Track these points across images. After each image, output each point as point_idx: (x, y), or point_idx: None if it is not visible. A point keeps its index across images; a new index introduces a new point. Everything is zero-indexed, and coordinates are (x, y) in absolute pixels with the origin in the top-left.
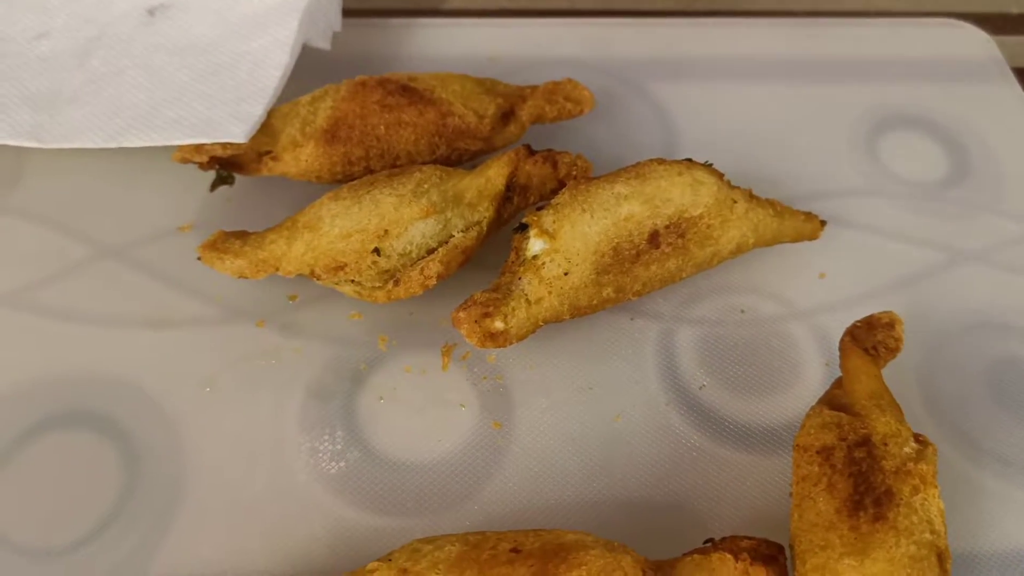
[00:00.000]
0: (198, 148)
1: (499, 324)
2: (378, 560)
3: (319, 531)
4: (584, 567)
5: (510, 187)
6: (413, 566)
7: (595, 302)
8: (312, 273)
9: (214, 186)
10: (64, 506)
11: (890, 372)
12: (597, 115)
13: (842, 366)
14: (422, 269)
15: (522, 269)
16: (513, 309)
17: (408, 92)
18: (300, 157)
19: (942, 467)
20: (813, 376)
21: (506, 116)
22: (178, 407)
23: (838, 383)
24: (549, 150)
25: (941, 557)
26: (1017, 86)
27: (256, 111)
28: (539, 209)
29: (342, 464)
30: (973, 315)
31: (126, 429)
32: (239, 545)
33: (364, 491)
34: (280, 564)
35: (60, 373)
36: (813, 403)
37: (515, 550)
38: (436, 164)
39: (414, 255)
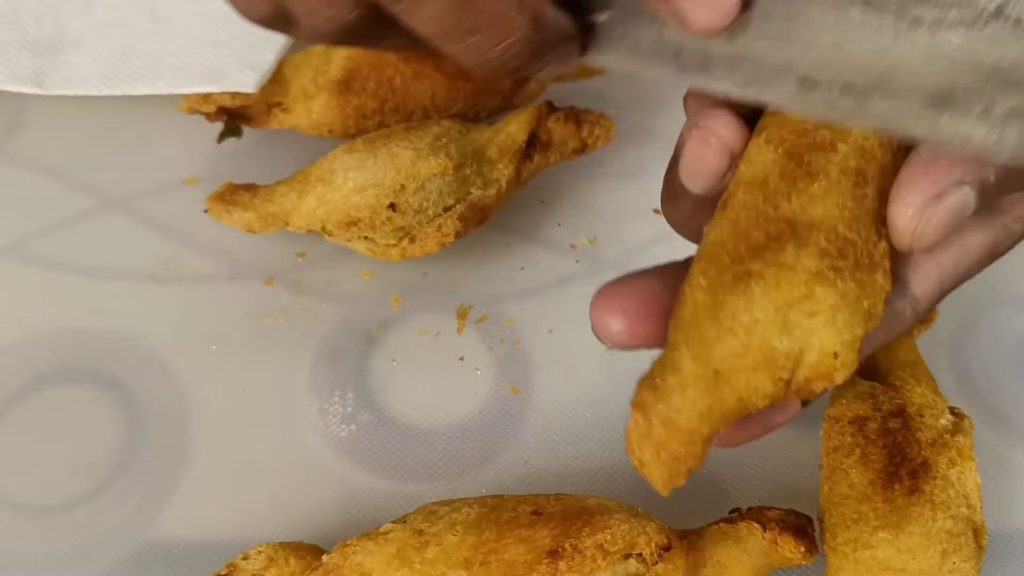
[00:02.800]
0: (206, 98)
1: None
2: (392, 522)
3: (328, 495)
4: (608, 531)
5: (530, 144)
6: (429, 527)
7: None
8: (323, 229)
9: (221, 138)
10: (63, 463)
11: (921, 344)
12: (619, 75)
13: None
14: (440, 226)
15: None
16: None
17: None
18: (312, 109)
19: (974, 443)
20: None
21: None
22: (183, 365)
23: (871, 353)
24: (572, 108)
25: (977, 532)
26: None
27: (267, 59)
28: None
29: (353, 427)
30: (1007, 288)
31: (129, 386)
32: (245, 507)
33: (375, 455)
34: (288, 527)
35: (61, 327)
36: None
37: (536, 512)
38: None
39: (431, 212)
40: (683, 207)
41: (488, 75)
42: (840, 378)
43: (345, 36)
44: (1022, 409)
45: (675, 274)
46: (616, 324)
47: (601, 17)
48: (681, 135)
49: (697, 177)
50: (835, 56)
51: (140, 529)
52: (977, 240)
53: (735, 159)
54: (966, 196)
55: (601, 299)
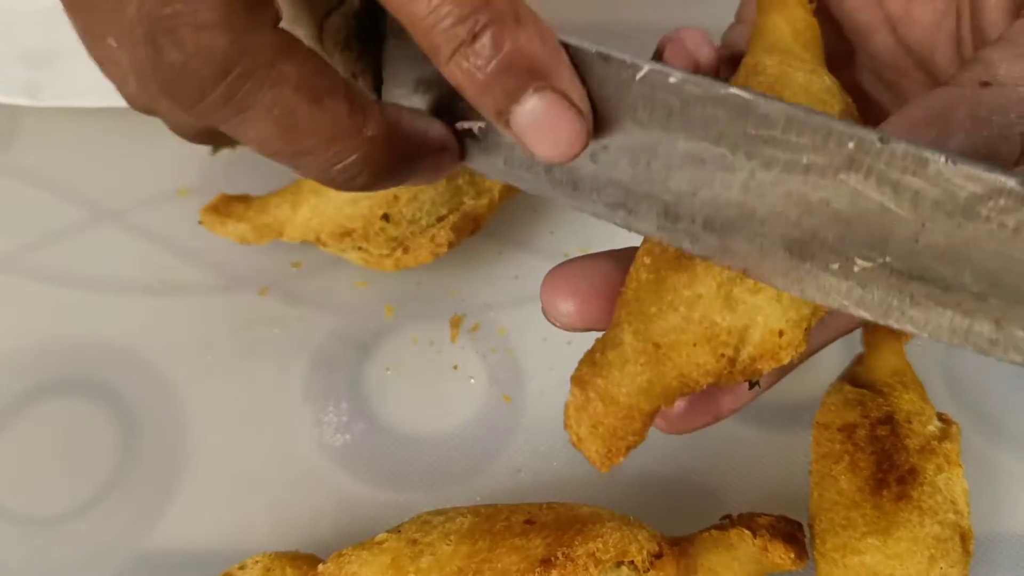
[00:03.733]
0: None
1: None
2: (387, 532)
3: (323, 504)
4: (600, 539)
5: None
6: (423, 537)
7: None
8: (317, 239)
9: (215, 149)
10: (59, 475)
11: (910, 351)
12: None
13: (864, 342)
14: (432, 237)
15: None
16: None
17: None
18: None
19: (963, 448)
20: (830, 354)
21: None
22: (178, 376)
23: (859, 359)
24: None
25: (964, 538)
26: None
27: None
28: None
29: (347, 436)
30: None
31: (124, 397)
32: (241, 517)
33: (370, 464)
34: (283, 537)
35: (55, 339)
36: (830, 380)
37: (529, 522)
38: None
39: (424, 222)
40: None
41: (345, 190)
42: (786, 357)
43: (209, 139)
44: (1010, 414)
45: (628, 258)
46: (567, 305)
47: (479, 125)
48: (659, 42)
49: None
50: (693, 190)
51: (136, 540)
52: None
53: (698, 67)
54: None
55: (552, 280)
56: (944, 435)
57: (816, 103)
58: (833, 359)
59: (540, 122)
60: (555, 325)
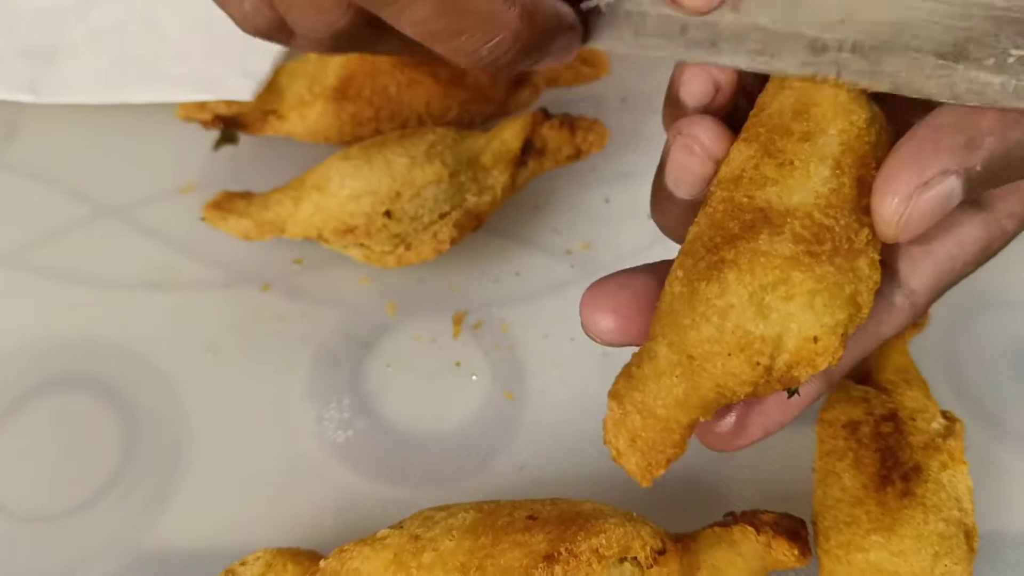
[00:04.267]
0: (202, 106)
1: None
2: (389, 528)
3: (325, 501)
4: (603, 535)
5: (525, 151)
6: (426, 532)
7: None
8: (320, 236)
9: (217, 145)
10: (60, 472)
11: (914, 349)
12: (612, 80)
13: None
14: (435, 233)
15: None
16: None
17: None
18: (307, 116)
19: (966, 446)
20: None
21: (520, 79)
22: (179, 372)
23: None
24: (566, 114)
25: (968, 535)
26: None
27: (263, 68)
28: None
29: (349, 433)
30: (999, 292)
31: (125, 394)
32: (242, 513)
33: (372, 461)
34: (285, 533)
35: (57, 336)
36: None
37: (531, 517)
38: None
39: (426, 219)
40: (672, 213)
41: (485, 72)
42: (823, 363)
43: (340, 42)
44: (1014, 412)
45: (665, 271)
46: (607, 322)
47: (600, 3)
48: (666, 143)
49: (683, 184)
50: (843, 17)
51: (138, 537)
52: (972, 235)
53: (718, 165)
54: (952, 185)
55: (592, 296)
56: (948, 432)
57: (845, 114)
58: None
59: None
60: (596, 341)
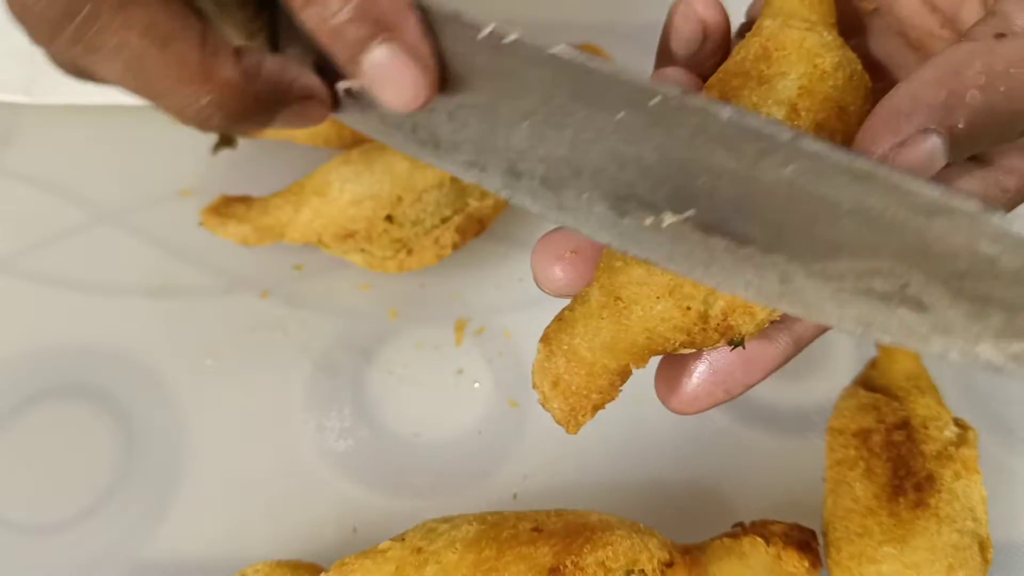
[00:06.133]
0: None
1: None
2: (391, 539)
3: (325, 511)
4: (609, 547)
5: None
6: (428, 545)
7: None
8: (320, 241)
9: (216, 149)
10: (58, 482)
11: (925, 355)
12: None
13: (878, 345)
14: (436, 238)
15: None
16: None
17: None
18: None
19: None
20: (842, 357)
21: None
22: (178, 380)
23: (873, 364)
24: None
25: (983, 546)
26: None
27: None
28: None
29: (350, 442)
30: None
31: (123, 402)
32: (242, 524)
33: (373, 470)
34: (285, 545)
35: (54, 343)
36: (843, 384)
37: (536, 529)
38: None
39: (428, 223)
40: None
41: (203, 130)
42: (762, 313)
43: (81, 72)
44: None
45: None
46: (557, 271)
47: (353, 85)
48: (671, 8)
49: (681, 41)
50: (530, 147)
51: (136, 548)
52: (968, 191)
53: (707, 30)
54: (933, 144)
55: (543, 246)
56: (961, 441)
57: (809, 57)
58: (846, 363)
59: (386, 71)
60: (547, 291)
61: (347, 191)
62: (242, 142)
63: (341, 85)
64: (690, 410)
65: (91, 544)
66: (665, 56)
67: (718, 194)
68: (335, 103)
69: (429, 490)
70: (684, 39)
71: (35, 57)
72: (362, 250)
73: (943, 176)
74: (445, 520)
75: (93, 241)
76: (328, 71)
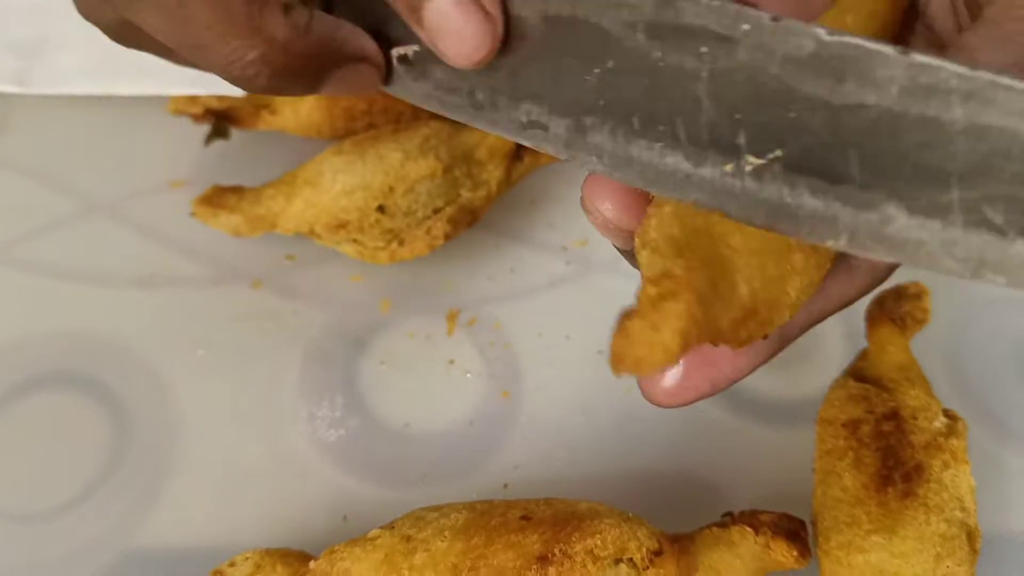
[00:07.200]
0: (193, 99)
1: None
2: (380, 528)
3: (316, 501)
4: (598, 535)
5: (520, 145)
6: (418, 533)
7: None
8: (312, 231)
9: (209, 140)
10: (48, 470)
11: (915, 346)
12: None
13: (869, 336)
14: (428, 229)
15: None
16: None
17: None
18: (300, 110)
19: (968, 445)
20: (833, 348)
21: None
22: (169, 370)
23: (863, 354)
24: None
25: (971, 536)
26: None
27: None
28: None
29: (342, 432)
30: (1001, 288)
31: (114, 392)
32: (232, 513)
33: (364, 460)
34: (275, 533)
35: (45, 332)
36: (833, 375)
37: (525, 517)
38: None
39: (420, 214)
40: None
41: (248, 90)
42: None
43: (125, 34)
44: (1016, 411)
45: None
46: (608, 205)
47: (413, 49)
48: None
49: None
50: (598, 100)
51: (126, 536)
52: None
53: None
54: None
55: (594, 178)
56: (950, 431)
57: None
58: (837, 354)
59: (448, 20)
60: (594, 223)
61: (339, 181)
62: (234, 132)
63: (397, 51)
64: (673, 403)
65: (82, 532)
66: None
67: (809, 129)
68: (387, 73)
69: (420, 480)
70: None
71: (30, 47)
72: (354, 240)
73: None
74: (434, 509)
75: (85, 231)
76: (380, 40)
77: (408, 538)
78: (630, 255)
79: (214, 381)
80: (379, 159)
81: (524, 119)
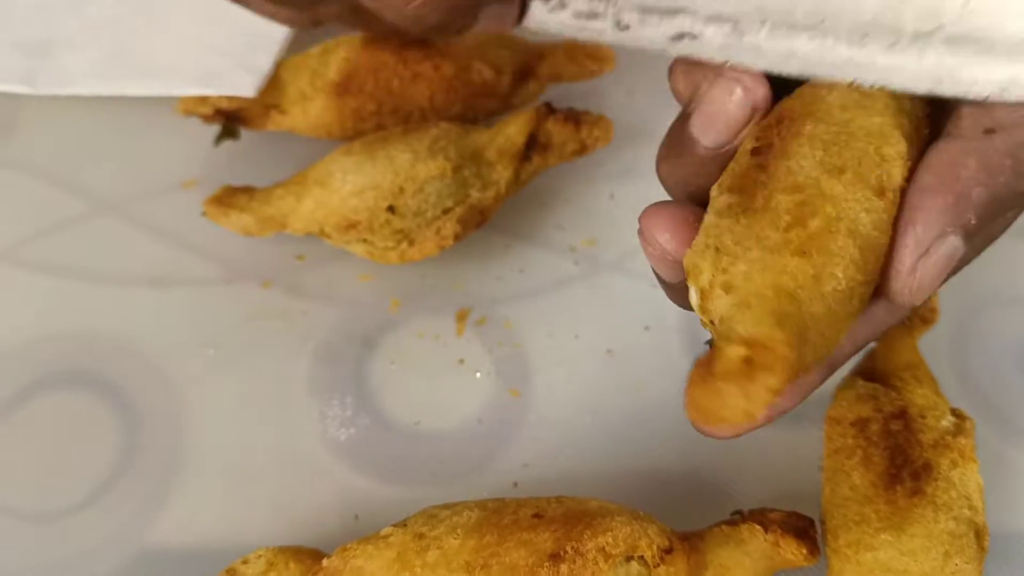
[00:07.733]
0: (203, 100)
1: None
2: (393, 526)
3: (327, 499)
4: (610, 533)
5: (530, 146)
6: (430, 531)
7: None
8: (322, 232)
9: (219, 140)
10: (59, 470)
11: (922, 346)
12: (618, 74)
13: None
14: (438, 229)
15: None
16: None
17: (424, 44)
18: (309, 111)
19: (975, 444)
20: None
21: (524, 73)
22: (180, 370)
23: (871, 354)
24: (571, 109)
25: (979, 534)
26: None
27: (265, 62)
28: None
29: (352, 431)
30: (1009, 288)
31: (125, 391)
32: (244, 512)
33: (375, 459)
34: (287, 532)
35: (56, 332)
36: (841, 374)
37: (537, 515)
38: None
39: (429, 214)
40: (685, 163)
41: (415, 32)
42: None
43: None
44: (1023, 410)
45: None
46: (667, 236)
47: None
48: (698, 91)
49: (712, 129)
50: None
51: (138, 535)
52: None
53: (755, 113)
54: (952, 244)
55: (653, 210)
56: (958, 430)
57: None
58: None
59: None
60: (649, 255)
61: (349, 182)
62: (244, 133)
63: None
64: (729, 435)
65: (93, 531)
66: (681, 144)
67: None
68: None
69: (430, 478)
70: (721, 123)
71: (37, 48)
72: (364, 240)
73: None
74: (446, 507)
75: (95, 231)
76: None
77: (420, 536)
78: (673, 289)
79: (224, 380)
80: (389, 159)
81: (674, 31)
